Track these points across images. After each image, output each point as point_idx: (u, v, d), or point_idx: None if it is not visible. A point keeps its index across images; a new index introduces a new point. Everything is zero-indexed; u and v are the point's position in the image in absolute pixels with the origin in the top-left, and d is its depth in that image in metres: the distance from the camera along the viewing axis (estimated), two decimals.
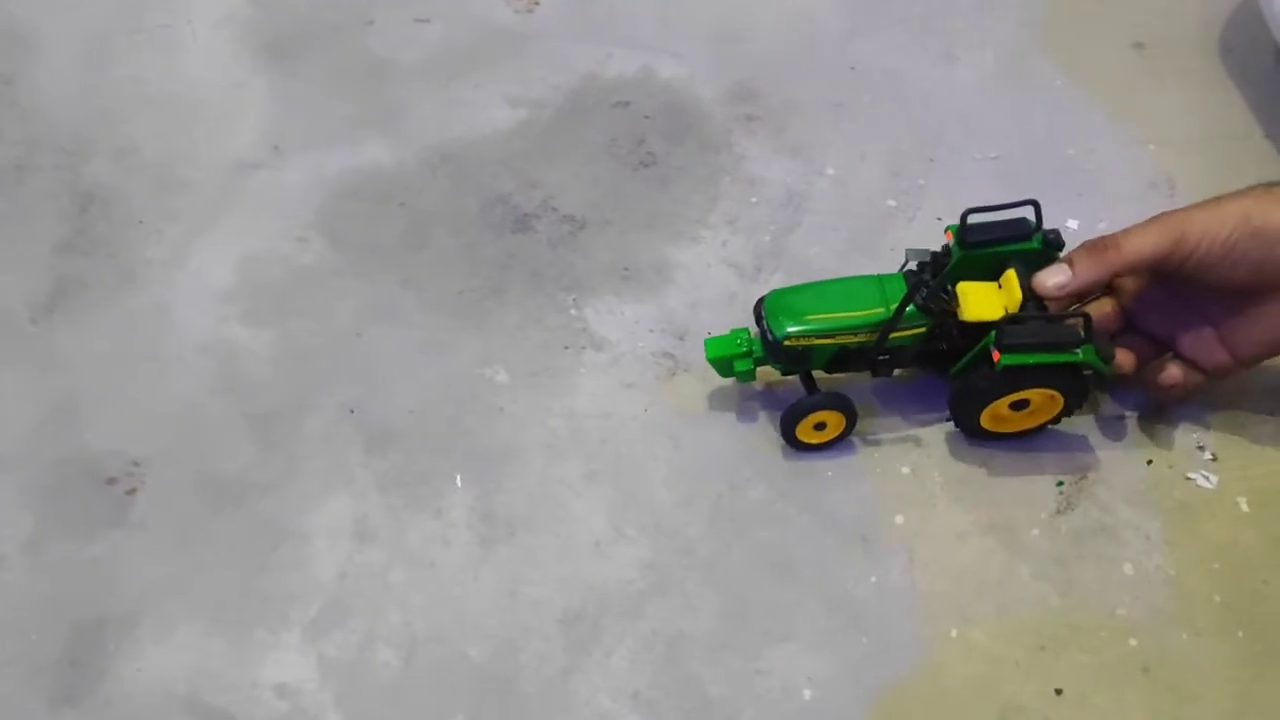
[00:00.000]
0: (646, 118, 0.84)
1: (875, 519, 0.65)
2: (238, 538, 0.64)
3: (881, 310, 0.64)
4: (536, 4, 0.91)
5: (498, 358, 0.71)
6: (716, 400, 0.69)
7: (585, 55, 0.87)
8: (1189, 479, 0.66)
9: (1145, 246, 0.62)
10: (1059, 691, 0.59)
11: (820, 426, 0.66)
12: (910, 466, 0.67)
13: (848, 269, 0.70)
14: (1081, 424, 0.68)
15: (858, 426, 0.67)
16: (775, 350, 0.65)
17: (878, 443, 0.68)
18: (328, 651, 0.60)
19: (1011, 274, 0.64)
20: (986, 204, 0.64)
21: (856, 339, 0.65)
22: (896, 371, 0.67)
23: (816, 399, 0.65)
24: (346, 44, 0.88)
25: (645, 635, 0.61)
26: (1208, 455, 0.67)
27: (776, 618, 0.62)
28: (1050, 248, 0.65)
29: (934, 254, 0.65)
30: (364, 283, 0.75)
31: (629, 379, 0.70)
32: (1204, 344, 0.65)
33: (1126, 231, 0.63)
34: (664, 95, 0.85)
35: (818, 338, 0.64)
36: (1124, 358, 0.65)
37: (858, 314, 0.64)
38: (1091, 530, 0.64)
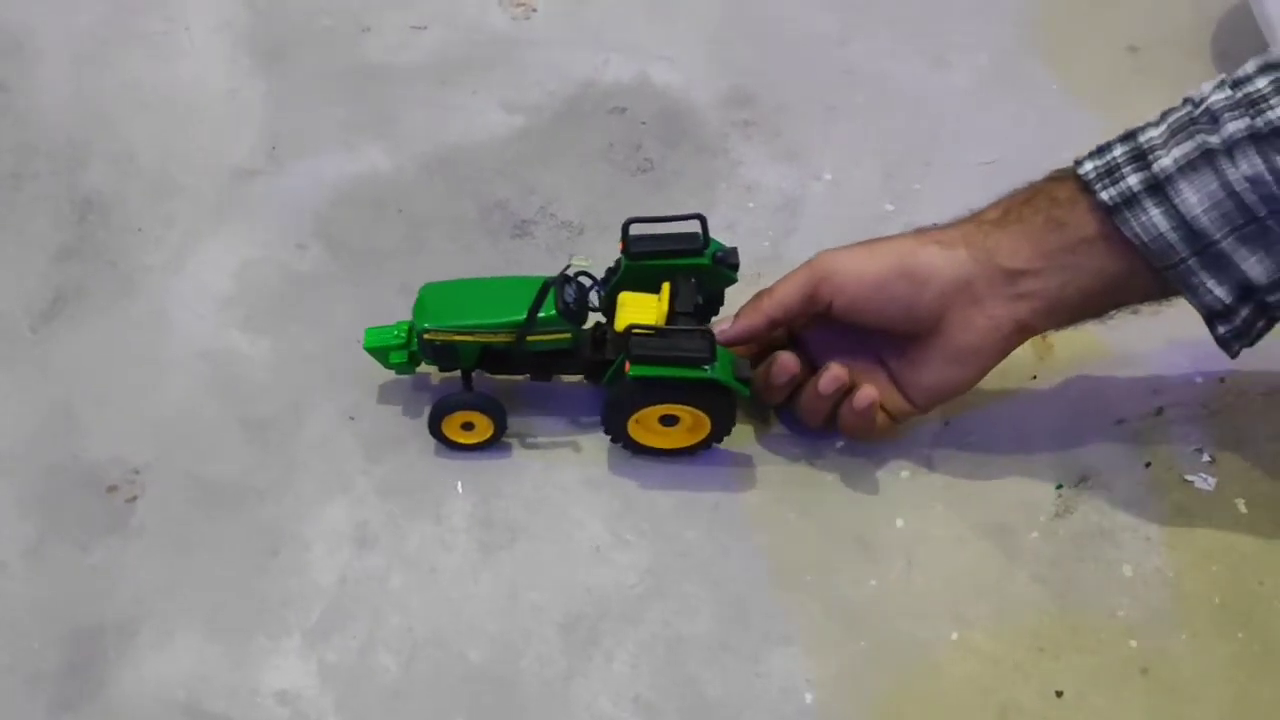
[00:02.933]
0: (643, 123, 0.84)
1: (874, 522, 0.65)
2: (237, 544, 0.64)
3: (525, 313, 0.63)
4: (533, 10, 0.91)
5: None
6: None
7: (581, 61, 0.87)
8: (1187, 481, 0.66)
9: (793, 289, 0.63)
10: (1059, 693, 0.59)
11: (468, 426, 0.66)
12: (909, 470, 0.67)
13: None
14: (1080, 427, 0.68)
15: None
16: (420, 344, 0.65)
17: (876, 447, 0.68)
18: (328, 657, 0.60)
19: (666, 287, 0.64)
20: (653, 215, 0.65)
21: (497, 339, 0.64)
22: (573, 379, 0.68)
23: (461, 398, 0.65)
24: (343, 50, 0.88)
25: (645, 639, 0.61)
26: (1206, 457, 0.67)
27: (776, 621, 0.62)
28: (722, 264, 0.65)
29: (612, 266, 0.66)
30: (362, 289, 0.75)
31: None
32: (883, 389, 0.65)
33: (782, 278, 0.64)
34: (660, 101, 0.85)
35: (458, 334, 0.64)
36: (780, 369, 0.64)
37: (500, 315, 0.63)
38: (1090, 533, 0.64)
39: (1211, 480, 0.66)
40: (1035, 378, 0.69)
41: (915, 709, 0.59)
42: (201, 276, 0.75)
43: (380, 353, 0.67)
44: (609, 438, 0.66)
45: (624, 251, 0.66)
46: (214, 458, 0.67)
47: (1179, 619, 0.61)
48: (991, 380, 0.70)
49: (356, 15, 0.90)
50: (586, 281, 0.66)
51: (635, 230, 0.66)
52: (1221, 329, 0.60)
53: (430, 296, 0.65)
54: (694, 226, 0.66)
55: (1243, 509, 0.65)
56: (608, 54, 0.88)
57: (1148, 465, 0.67)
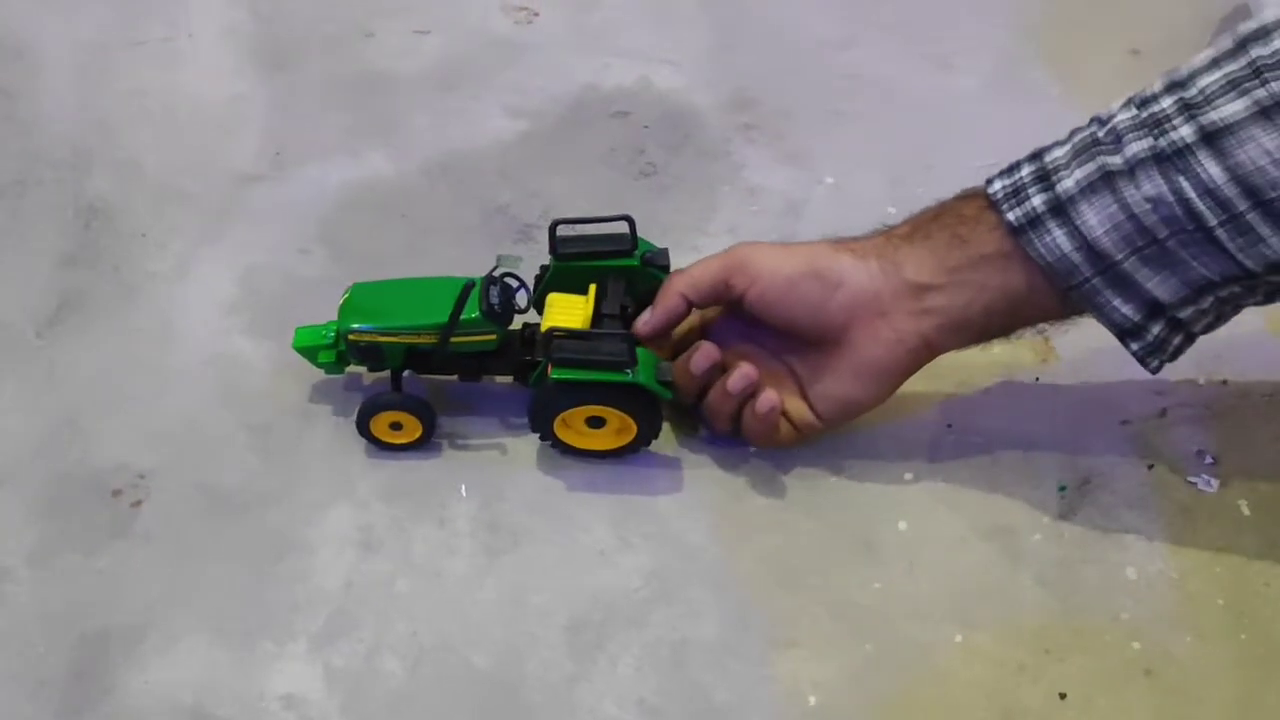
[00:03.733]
0: (645, 127, 0.84)
1: (878, 525, 0.65)
2: (243, 549, 0.64)
3: (447, 315, 0.63)
4: (535, 15, 0.92)
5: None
6: None
7: (583, 66, 0.88)
8: (1190, 483, 0.66)
9: (706, 272, 0.64)
10: (1063, 695, 0.59)
11: (396, 426, 0.66)
12: (913, 473, 0.67)
13: None
14: (1083, 429, 0.68)
15: (859, 432, 0.67)
16: (346, 344, 0.65)
17: (880, 450, 0.68)
18: (334, 661, 0.60)
19: (593, 288, 0.65)
20: (582, 217, 0.65)
21: (421, 340, 0.64)
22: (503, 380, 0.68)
23: (389, 398, 0.65)
24: (346, 55, 0.89)
25: (650, 642, 0.61)
26: (1208, 459, 0.67)
27: (781, 624, 0.62)
28: (651, 265, 0.65)
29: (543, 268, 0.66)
30: None
31: None
32: (789, 398, 0.65)
33: (696, 262, 0.64)
34: (662, 105, 0.85)
35: (382, 335, 0.64)
36: (703, 356, 0.64)
37: (423, 316, 0.64)
38: (1094, 535, 0.64)
39: (1214, 482, 0.66)
40: (1038, 380, 0.69)
41: (919, 712, 0.59)
42: (205, 282, 0.76)
43: (309, 352, 0.67)
44: (538, 437, 0.66)
45: (552, 252, 0.66)
46: (219, 463, 0.67)
47: (1183, 621, 0.61)
48: (994, 382, 0.70)
49: (359, 21, 0.91)
50: (513, 283, 0.66)
51: (563, 231, 0.66)
52: (1134, 345, 0.60)
53: (359, 296, 0.65)
54: (623, 228, 0.66)
55: (1246, 511, 0.65)
56: (610, 58, 0.88)
57: (1151, 467, 0.67)
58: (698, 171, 0.81)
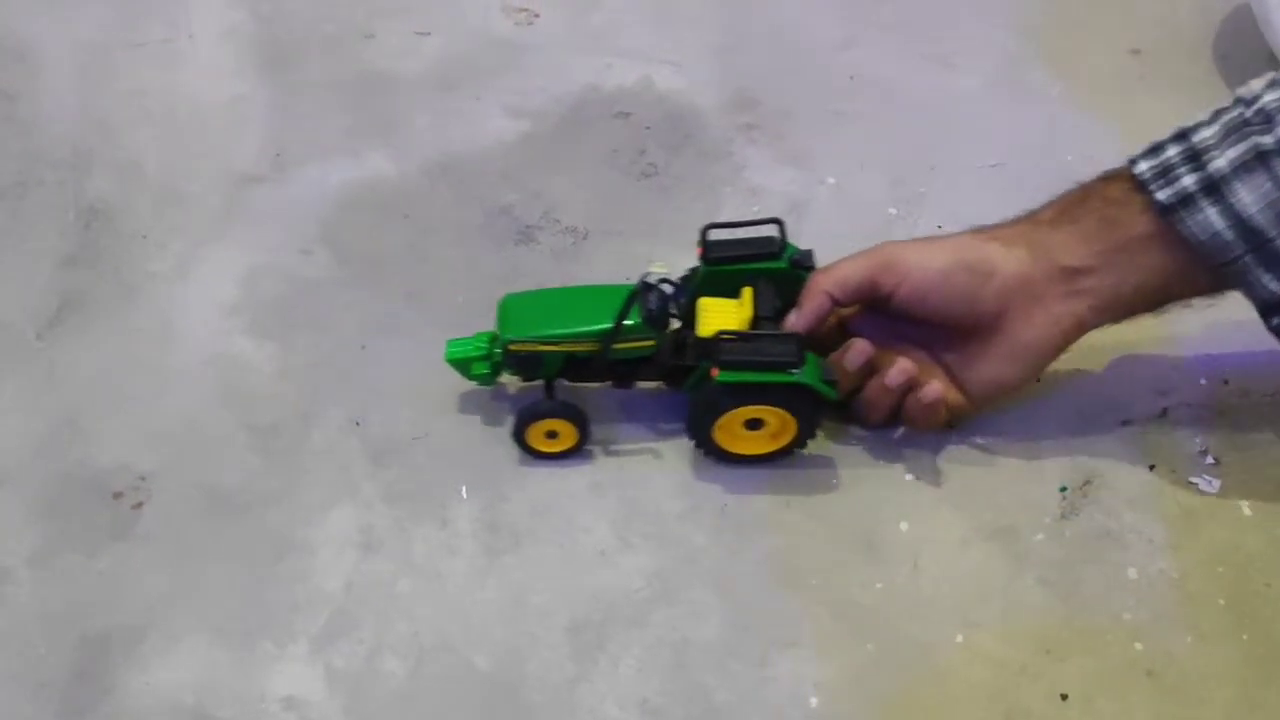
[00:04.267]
0: (647, 128, 0.84)
1: (879, 526, 0.65)
2: (244, 550, 0.64)
3: (609, 322, 0.63)
4: (536, 16, 0.92)
5: None
6: None
7: (585, 66, 0.88)
8: (1192, 483, 0.66)
9: (853, 270, 0.64)
10: (1064, 696, 0.59)
11: (552, 435, 0.66)
12: (914, 473, 0.67)
13: None
14: (1084, 429, 0.68)
15: (859, 433, 0.67)
16: (504, 355, 0.65)
17: (880, 451, 0.68)
18: (335, 662, 0.60)
19: (748, 291, 0.65)
20: (732, 221, 0.66)
21: (583, 348, 0.64)
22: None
23: (547, 406, 0.65)
24: (347, 56, 0.89)
25: (652, 643, 0.61)
26: (1210, 460, 0.67)
27: (782, 625, 0.62)
28: (797, 267, 0.65)
29: (689, 272, 0.66)
30: (368, 295, 0.75)
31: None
32: (941, 384, 0.65)
33: (837, 261, 0.65)
34: (664, 105, 0.85)
35: (543, 344, 0.64)
36: (857, 353, 0.64)
37: (585, 324, 0.64)
38: (1095, 535, 0.64)
39: (1216, 482, 0.66)
40: (1039, 380, 0.69)
41: (921, 712, 0.59)
42: (206, 283, 0.76)
43: (462, 364, 0.67)
44: (694, 444, 0.66)
45: (702, 257, 0.66)
46: (220, 464, 0.67)
47: (1185, 621, 0.61)
48: None
49: (360, 22, 0.91)
50: (667, 289, 0.66)
51: (712, 235, 0.66)
52: (1275, 320, 0.61)
53: (513, 308, 0.66)
54: (771, 230, 0.66)
55: (1247, 511, 0.65)
56: (611, 59, 0.88)
57: (1152, 467, 0.67)
58: (699, 172, 0.81)
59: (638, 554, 0.64)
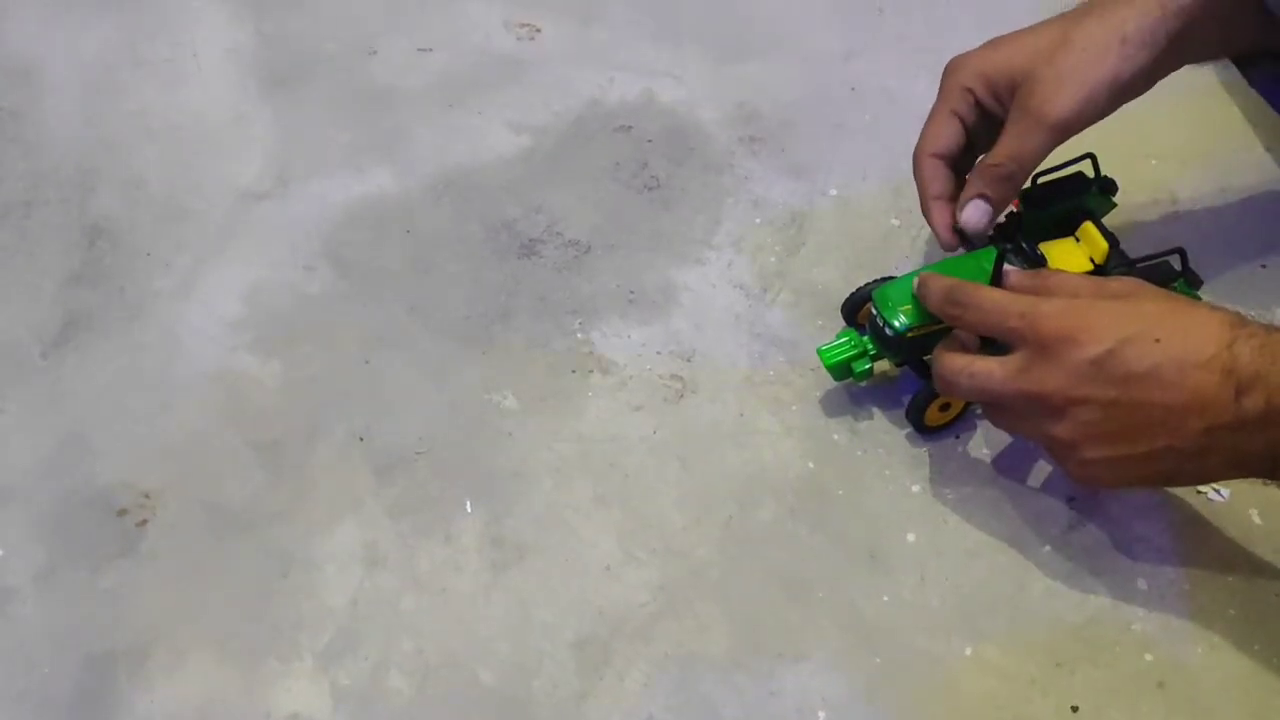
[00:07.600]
0: (649, 141, 0.84)
1: (886, 537, 0.65)
2: (248, 566, 0.64)
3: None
4: (538, 31, 0.92)
5: (505, 382, 0.71)
6: (725, 421, 0.69)
7: (586, 81, 0.88)
8: (1200, 492, 0.66)
9: (958, 103, 0.69)
10: (1075, 709, 0.59)
11: (945, 407, 0.67)
12: (920, 484, 0.67)
13: (853, 287, 0.70)
14: None
15: (865, 443, 0.67)
16: (895, 344, 0.65)
17: (887, 461, 0.67)
18: (340, 679, 0.60)
19: (1089, 225, 0.67)
20: (1046, 169, 0.68)
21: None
22: None
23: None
24: (349, 73, 0.89)
25: (658, 657, 0.61)
26: None
27: (789, 638, 0.61)
28: (1105, 193, 0.68)
29: (999, 225, 0.68)
30: (371, 310, 0.75)
31: (636, 401, 0.70)
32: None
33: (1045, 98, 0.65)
34: (665, 118, 0.85)
35: (937, 324, 0.64)
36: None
37: None
38: (1104, 545, 0.64)
39: (1225, 491, 0.66)
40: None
41: None
42: (211, 300, 0.76)
43: (841, 368, 0.68)
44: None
45: (1024, 204, 0.68)
46: (224, 480, 0.67)
47: (1195, 631, 0.61)
48: None
49: (362, 39, 0.91)
50: (1013, 257, 0.68)
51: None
52: None
53: (890, 298, 0.65)
54: (1082, 165, 0.69)
55: (1257, 520, 0.65)
56: (613, 73, 0.88)
57: None
58: (701, 185, 0.81)
59: (643, 568, 0.64)
